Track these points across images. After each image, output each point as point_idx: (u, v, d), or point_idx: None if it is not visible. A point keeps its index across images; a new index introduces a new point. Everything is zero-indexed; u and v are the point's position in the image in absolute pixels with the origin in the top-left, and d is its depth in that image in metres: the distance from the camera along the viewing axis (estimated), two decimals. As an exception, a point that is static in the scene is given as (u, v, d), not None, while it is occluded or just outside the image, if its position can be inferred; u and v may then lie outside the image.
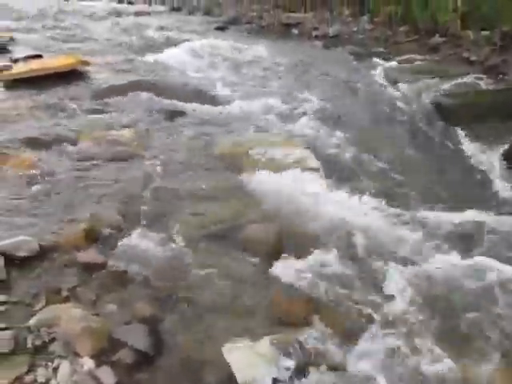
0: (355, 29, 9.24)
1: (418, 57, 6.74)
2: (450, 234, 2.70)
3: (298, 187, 3.05)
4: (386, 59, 6.67)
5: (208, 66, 5.79)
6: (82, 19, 9.98)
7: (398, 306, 2.17)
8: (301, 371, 1.81)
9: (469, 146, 4.02)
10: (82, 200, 2.90)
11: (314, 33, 9.37)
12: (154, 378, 1.83)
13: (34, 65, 5.52)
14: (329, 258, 2.42)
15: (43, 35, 7.92)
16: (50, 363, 1.82)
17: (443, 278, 2.31)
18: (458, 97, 4.89)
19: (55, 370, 1.80)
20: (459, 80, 5.25)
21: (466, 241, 2.67)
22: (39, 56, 6.11)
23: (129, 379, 1.81)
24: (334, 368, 1.86)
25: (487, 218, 2.90)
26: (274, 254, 2.48)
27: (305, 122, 4.16)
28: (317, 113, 4.31)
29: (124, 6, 12.45)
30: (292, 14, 10.91)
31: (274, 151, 3.44)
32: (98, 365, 1.82)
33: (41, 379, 1.76)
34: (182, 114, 4.32)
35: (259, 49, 6.89)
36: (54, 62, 5.57)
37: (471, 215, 2.89)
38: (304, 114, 4.29)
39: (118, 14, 11.25)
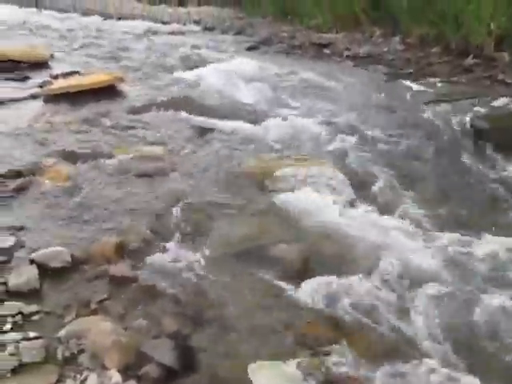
0: (386, 49, 9.20)
1: (452, 78, 6.65)
2: (485, 261, 2.62)
3: (326, 207, 3.03)
4: (418, 80, 6.60)
5: (240, 84, 5.85)
6: (118, 37, 10.30)
7: (426, 332, 2.11)
8: (327, 396, 1.78)
9: (509, 170, 3.89)
10: (114, 213, 2.97)
11: (346, 53, 9.37)
12: (179, 394, 1.83)
13: (73, 81, 5.72)
14: (357, 280, 2.39)
15: (82, 53, 8.19)
16: (78, 375, 1.84)
17: (476, 307, 2.24)
18: (497, 120, 4.78)
19: (83, 382, 1.82)
20: (495, 102, 5.15)
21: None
22: (77, 72, 6.33)
23: (154, 394, 1.82)
24: (361, 394, 1.83)
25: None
26: (302, 275, 2.46)
27: (337, 142, 4.15)
28: (349, 134, 4.29)
29: (158, 26, 12.74)
30: (324, 35, 10.97)
31: (304, 170, 3.44)
32: (125, 379, 1.83)
33: (69, 390, 1.79)
34: (213, 131, 4.37)
35: (292, 68, 6.94)
36: (91, 78, 5.74)
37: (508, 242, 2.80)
38: (336, 134, 4.28)
39: (154, 32, 11.56)
